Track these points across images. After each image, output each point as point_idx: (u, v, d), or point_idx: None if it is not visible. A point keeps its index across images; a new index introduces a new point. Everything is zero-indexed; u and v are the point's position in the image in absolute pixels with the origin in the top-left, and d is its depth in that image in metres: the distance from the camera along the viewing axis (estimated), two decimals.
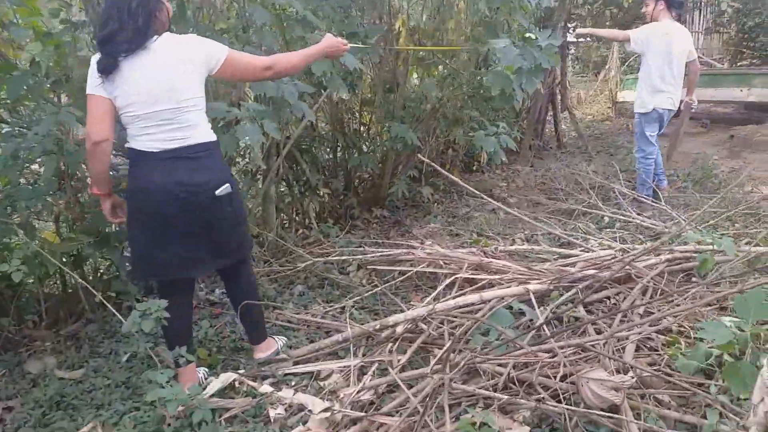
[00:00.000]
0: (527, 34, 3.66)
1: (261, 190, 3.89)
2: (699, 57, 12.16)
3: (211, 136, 2.24)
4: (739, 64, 11.45)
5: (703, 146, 7.47)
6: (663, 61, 4.78)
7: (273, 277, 3.51)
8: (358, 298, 3.15)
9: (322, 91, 3.96)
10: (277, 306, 3.13)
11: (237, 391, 2.40)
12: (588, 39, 5.69)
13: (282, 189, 4.43)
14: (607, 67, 11.42)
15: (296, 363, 2.59)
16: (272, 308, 3.10)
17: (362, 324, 2.81)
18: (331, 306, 3.11)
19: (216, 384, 2.36)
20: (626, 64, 10.88)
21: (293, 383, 2.46)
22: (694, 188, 5.16)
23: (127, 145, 2.20)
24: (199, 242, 2.24)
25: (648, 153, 4.98)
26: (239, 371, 2.50)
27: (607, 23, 9.37)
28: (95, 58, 2.05)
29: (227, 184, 2.24)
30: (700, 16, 12.17)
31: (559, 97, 7.57)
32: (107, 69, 2.01)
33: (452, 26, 4.66)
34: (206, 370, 2.54)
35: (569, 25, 7.97)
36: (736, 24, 10.28)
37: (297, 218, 4.51)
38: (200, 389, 2.22)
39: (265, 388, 2.38)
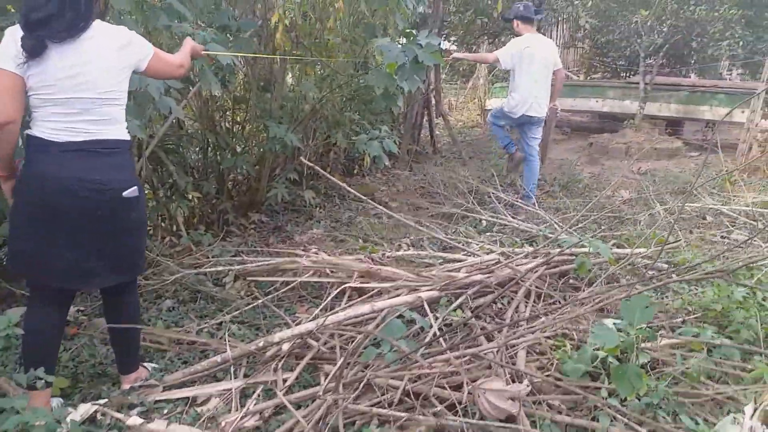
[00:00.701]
0: (408, 31, 3.62)
1: None
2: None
3: (126, 135, 2.06)
4: (592, 76, 12.51)
5: (566, 153, 8.01)
6: (529, 72, 5.12)
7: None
8: (236, 312, 2.87)
9: (191, 87, 3.62)
10: (143, 325, 2.76)
11: (99, 425, 2.06)
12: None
13: (146, 193, 3.99)
14: (475, 75, 11.94)
15: (168, 388, 2.28)
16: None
17: (243, 341, 2.56)
18: (206, 322, 2.81)
19: (74, 416, 2.02)
20: (492, 73, 11.45)
21: (166, 411, 2.16)
22: (562, 192, 5.45)
23: (27, 132, 1.91)
24: (97, 250, 1.98)
25: (494, 125, 5.55)
26: (101, 401, 2.15)
27: (477, 32, 9.78)
28: (14, 32, 1.81)
29: (135, 187, 2.04)
30: (557, 31, 13.13)
31: (433, 102, 7.71)
32: (35, 52, 1.80)
33: (330, 25, 4.51)
34: (61, 400, 2.16)
35: (442, 32, 8.18)
36: (591, 40, 11.21)
37: (163, 225, 4.08)
38: (63, 412, 1.90)
39: (133, 419, 2.05)
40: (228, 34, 3.57)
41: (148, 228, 4.05)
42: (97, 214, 1.93)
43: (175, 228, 4.02)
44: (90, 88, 1.88)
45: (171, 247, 3.76)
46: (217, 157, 4.45)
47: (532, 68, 5.11)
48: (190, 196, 4.11)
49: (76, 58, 1.85)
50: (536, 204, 4.96)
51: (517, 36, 5.31)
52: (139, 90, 2.71)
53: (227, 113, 4.71)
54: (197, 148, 4.51)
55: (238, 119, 4.81)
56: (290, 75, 5.01)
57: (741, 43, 7.91)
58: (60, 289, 2.02)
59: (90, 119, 1.91)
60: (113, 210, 1.97)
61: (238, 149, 4.61)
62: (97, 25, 1.91)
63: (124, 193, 1.98)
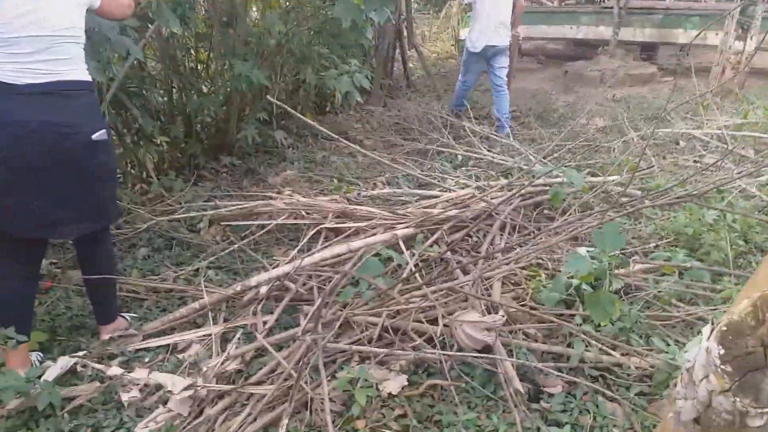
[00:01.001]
0: None
1: None
2: None
3: (88, 76, 1.97)
4: (566, 2, 12.23)
5: (540, 82, 7.93)
6: (491, 3, 5.24)
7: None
8: (213, 258, 2.84)
9: (149, 25, 3.43)
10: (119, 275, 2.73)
11: (80, 377, 2.06)
12: None
13: (112, 139, 3.85)
14: (448, 4, 11.58)
15: (148, 337, 2.27)
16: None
17: (221, 287, 2.55)
18: (182, 269, 2.77)
19: (54, 370, 2.02)
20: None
21: (147, 360, 2.16)
22: (537, 123, 5.42)
23: None
24: (67, 198, 1.90)
25: (465, 81, 5.69)
26: (80, 353, 2.14)
27: None
28: None
29: (104, 130, 1.96)
30: None
31: (405, 34, 7.49)
32: None
33: None
34: (40, 354, 2.14)
35: None
36: None
37: (133, 171, 3.97)
38: (38, 372, 1.89)
39: (114, 369, 2.05)
40: None
41: (118, 175, 3.94)
42: (66, 158, 1.86)
43: (144, 174, 3.92)
44: (46, 25, 1.78)
45: (142, 195, 3.67)
46: (182, 98, 4.30)
47: (496, 1, 5.24)
48: (158, 141, 3.99)
49: None
50: (510, 135, 4.94)
51: None
52: (93, 29, 2.56)
53: (190, 52, 4.51)
54: (161, 90, 4.34)
55: (202, 58, 4.61)
56: (254, 8, 4.80)
57: None
58: (30, 241, 1.96)
59: (50, 59, 1.81)
60: (82, 154, 1.89)
61: (204, 90, 4.45)
62: None
63: (93, 136, 1.90)
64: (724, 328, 0.74)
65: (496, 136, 4.99)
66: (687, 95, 6.35)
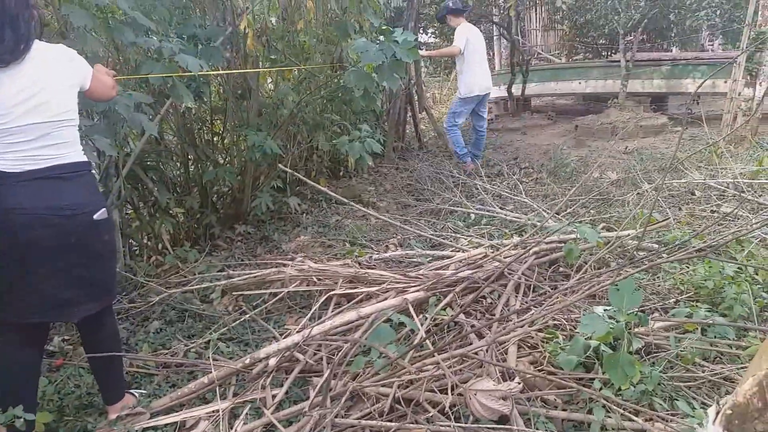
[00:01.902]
0: (384, 27, 3.56)
1: None
2: (539, 53, 13.12)
3: (83, 156, 2.00)
4: (574, 58, 12.47)
5: (552, 137, 7.97)
6: (477, 53, 6.08)
7: (123, 315, 3.07)
8: (224, 329, 2.82)
9: (165, 100, 3.56)
10: (129, 350, 2.72)
11: None
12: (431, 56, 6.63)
13: (128, 213, 3.94)
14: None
15: (156, 415, 2.23)
16: (125, 352, 2.68)
17: (232, 359, 2.52)
18: (193, 341, 2.76)
19: None
20: None
21: None
22: (549, 178, 5.42)
23: None
24: (74, 279, 1.92)
25: (450, 125, 6.27)
26: None
27: None
28: None
29: (104, 209, 2.00)
30: (536, 14, 13.08)
31: (416, 97, 7.66)
32: None
33: (302, 27, 4.45)
34: None
35: (419, 25, 8.12)
36: (569, 21, 11.16)
37: (149, 244, 4.03)
38: None
39: None
40: (197, 44, 3.52)
41: (134, 248, 4.00)
42: (71, 240, 1.88)
43: (160, 246, 3.97)
44: (45, 110, 1.82)
45: (157, 267, 3.71)
46: (199, 170, 4.40)
47: (477, 50, 6.10)
48: (173, 213, 4.06)
49: (23, 81, 1.79)
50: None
51: (453, 28, 6.27)
52: (110, 109, 2.66)
53: (206, 125, 4.66)
54: (178, 163, 4.45)
55: (218, 130, 4.75)
56: (269, 80, 4.96)
57: (718, 12, 7.87)
58: (35, 325, 1.96)
59: (50, 144, 1.85)
60: (85, 235, 1.92)
61: (220, 161, 4.56)
62: (38, 45, 1.85)
63: (95, 216, 1.93)
64: (729, 411, 0.69)
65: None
66: (700, 144, 6.33)
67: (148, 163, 3.96)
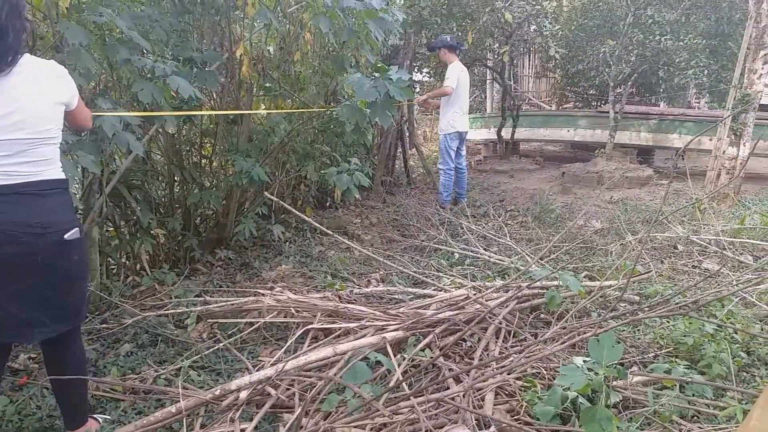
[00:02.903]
0: (379, 65, 3.60)
1: None
2: (530, 99, 13.37)
3: (62, 174, 1.94)
4: (564, 106, 12.71)
5: (539, 182, 8.06)
6: (464, 93, 6.30)
7: (94, 336, 2.98)
8: (196, 356, 2.75)
9: (154, 120, 3.54)
10: (97, 372, 2.63)
11: None
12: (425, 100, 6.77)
13: (108, 230, 3.87)
14: None
15: None
16: (92, 374, 2.59)
17: (202, 388, 2.44)
18: (164, 368, 2.68)
19: None
20: None
21: None
22: (534, 223, 5.44)
23: None
24: (38, 299, 1.84)
25: (449, 168, 6.32)
26: None
27: None
28: None
29: (77, 228, 1.93)
30: (529, 61, 13.37)
31: (407, 133, 7.72)
32: None
33: (299, 58, 4.49)
34: None
35: (414, 64, 8.24)
36: (561, 69, 11.42)
37: (127, 263, 3.95)
38: None
39: None
40: (192, 67, 3.53)
41: (112, 267, 3.92)
42: (38, 259, 1.81)
43: (138, 267, 3.89)
44: (25, 127, 1.77)
45: (133, 288, 3.63)
46: (183, 192, 4.36)
47: (465, 89, 6.33)
48: (154, 233, 4.00)
49: (7, 95, 1.74)
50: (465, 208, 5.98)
51: (443, 63, 6.44)
52: (98, 126, 2.63)
53: (195, 147, 4.63)
54: (163, 184, 4.41)
55: (206, 153, 4.72)
56: (262, 107, 4.97)
57: (706, 71, 8.10)
58: None
59: (26, 161, 1.79)
60: (54, 254, 1.84)
61: (206, 184, 4.52)
62: (27, 59, 1.80)
63: (66, 236, 1.87)
64: None
65: (445, 201, 6.16)
66: (684, 199, 6.42)
67: (133, 181, 3.92)
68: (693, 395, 2.36)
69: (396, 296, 3.47)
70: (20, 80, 1.76)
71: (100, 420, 2.25)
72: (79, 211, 3.50)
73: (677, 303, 3.00)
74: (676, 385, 2.40)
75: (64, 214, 1.91)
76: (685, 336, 2.79)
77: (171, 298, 3.40)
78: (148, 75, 3.16)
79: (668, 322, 3.04)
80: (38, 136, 1.80)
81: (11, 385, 2.56)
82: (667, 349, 2.80)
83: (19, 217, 1.77)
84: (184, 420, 2.20)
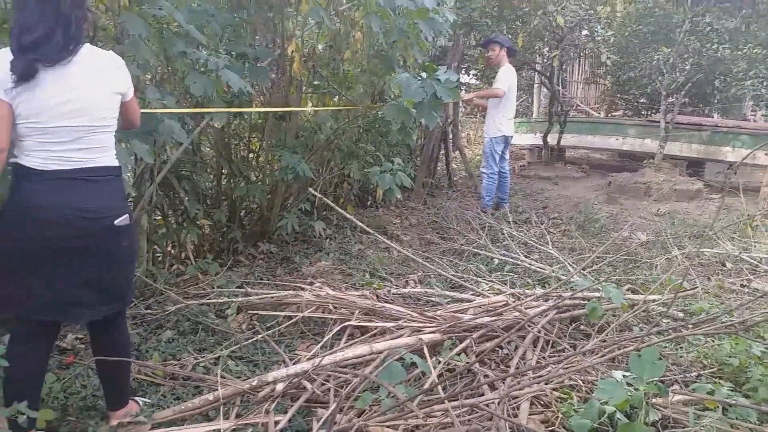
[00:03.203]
0: (428, 63, 3.60)
1: None
2: (578, 105, 13.11)
3: (115, 161, 2.00)
4: (613, 114, 12.43)
5: (584, 191, 7.90)
6: (512, 97, 6.26)
7: (138, 321, 3.09)
8: (235, 346, 2.81)
9: (205, 116, 3.63)
10: (139, 357, 2.72)
11: None
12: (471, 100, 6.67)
13: (156, 219, 3.99)
14: None
15: (157, 426, 2.21)
16: (134, 358, 2.68)
17: (240, 378, 2.50)
18: (203, 356, 2.75)
19: None
20: None
21: None
22: (577, 232, 5.35)
23: (13, 160, 1.84)
24: (87, 281, 1.91)
25: (493, 172, 6.24)
26: None
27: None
28: (3, 56, 1.74)
29: (127, 215, 1.99)
30: (579, 66, 13.12)
31: (451, 136, 7.70)
32: (26, 76, 1.73)
33: (348, 56, 4.53)
34: None
35: (462, 66, 8.20)
36: (612, 76, 11.17)
37: (172, 252, 4.07)
38: None
39: None
40: (245, 63, 3.60)
41: (158, 255, 4.04)
42: (89, 243, 1.88)
43: (183, 256, 4.00)
44: (83, 114, 1.83)
45: (177, 276, 3.74)
46: (230, 185, 4.46)
47: (514, 93, 6.29)
48: (200, 224, 4.11)
49: (67, 83, 1.80)
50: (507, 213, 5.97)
51: (496, 64, 6.31)
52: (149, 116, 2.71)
53: (243, 141, 4.73)
54: (211, 176, 4.52)
55: (254, 148, 4.82)
56: (310, 104, 5.03)
57: (765, 83, 7.78)
58: (45, 323, 1.96)
59: (82, 147, 1.86)
60: (104, 239, 1.91)
61: (252, 177, 4.61)
62: (88, 49, 1.86)
63: (116, 222, 1.93)
64: None
65: (486, 206, 6.17)
66: (735, 215, 6.20)
67: (183, 172, 4.03)
68: (736, 418, 2.28)
69: (433, 299, 3.47)
70: (80, 69, 1.82)
71: (140, 403, 2.32)
72: (130, 198, 3.63)
73: (724, 322, 2.90)
74: (718, 406, 2.32)
75: (116, 200, 1.97)
76: (730, 356, 2.70)
77: (213, 287, 3.49)
78: (202, 68, 3.24)
79: (713, 341, 2.95)
80: (95, 123, 1.87)
81: (58, 363, 2.66)
82: (711, 369, 2.72)
83: (74, 202, 1.84)
84: (221, 408, 2.26)
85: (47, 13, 1.75)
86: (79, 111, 1.82)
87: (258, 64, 3.63)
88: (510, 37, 7.58)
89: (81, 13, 1.83)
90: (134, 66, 2.73)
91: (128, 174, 3.58)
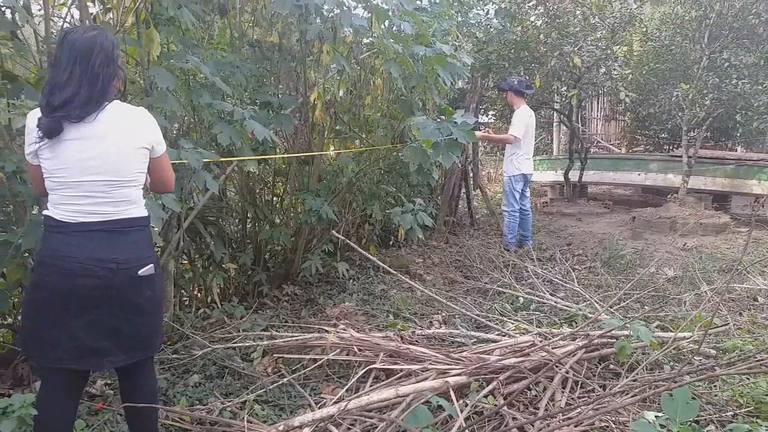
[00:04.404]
0: (444, 106, 3.68)
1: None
2: (598, 141, 13.10)
3: (143, 212, 2.03)
4: (634, 149, 12.39)
5: (608, 227, 7.83)
6: (530, 136, 6.32)
7: (166, 365, 3.11)
8: (261, 390, 2.82)
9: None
10: (167, 401, 2.74)
11: None
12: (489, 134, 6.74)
13: (183, 263, 4.06)
14: None
15: None
16: (162, 403, 2.70)
17: (266, 422, 2.50)
18: (230, 400, 2.75)
19: None
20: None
21: None
22: (603, 269, 5.29)
23: (44, 212, 1.93)
24: (109, 330, 1.94)
25: (514, 209, 6.27)
26: None
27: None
28: (31, 116, 1.86)
29: (151, 265, 2.02)
30: (598, 104, 13.18)
31: (471, 174, 7.74)
32: (53, 132, 1.81)
33: (368, 102, 4.65)
34: None
35: (480, 107, 8.30)
36: (632, 112, 11.17)
37: (199, 296, 4.13)
38: None
39: None
40: (269, 111, 3.72)
41: (184, 299, 4.10)
42: (111, 293, 1.91)
43: (209, 299, 4.05)
44: (106, 169, 1.87)
45: (204, 320, 3.78)
46: (255, 228, 4.53)
47: (531, 133, 6.35)
48: (226, 267, 4.17)
49: (90, 139, 1.84)
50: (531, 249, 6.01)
51: (510, 105, 6.50)
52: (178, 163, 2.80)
53: (267, 186, 4.83)
54: (237, 220, 4.61)
55: (278, 192, 4.91)
56: (332, 147, 5.14)
57: None
58: (72, 371, 1.98)
59: (107, 200, 1.90)
60: (127, 289, 1.94)
61: (276, 221, 4.68)
62: (115, 105, 1.90)
63: (140, 272, 1.96)
64: None
65: (509, 244, 6.21)
66: (763, 248, 6.08)
67: (209, 217, 4.12)
68: None
69: (458, 339, 3.45)
70: (105, 125, 1.86)
71: None
72: (158, 246, 3.71)
73: (759, 359, 2.82)
74: None
75: (141, 250, 1.99)
76: (767, 395, 2.62)
77: (239, 331, 3.52)
78: (227, 118, 3.36)
79: (749, 379, 2.87)
80: (120, 178, 1.90)
81: (88, 409, 2.69)
82: (748, 408, 2.63)
83: (96, 254, 1.88)
84: None
85: (77, 72, 1.82)
86: (102, 167, 1.86)
87: (282, 112, 3.74)
88: (528, 77, 7.68)
89: (111, 70, 1.89)
90: (162, 117, 2.85)
91: (153, 225, 3.68)
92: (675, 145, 10.85)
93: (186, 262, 4.10)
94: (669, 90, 8.63)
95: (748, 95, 7.58)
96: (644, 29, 8.73)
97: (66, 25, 3.40)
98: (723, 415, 2.60)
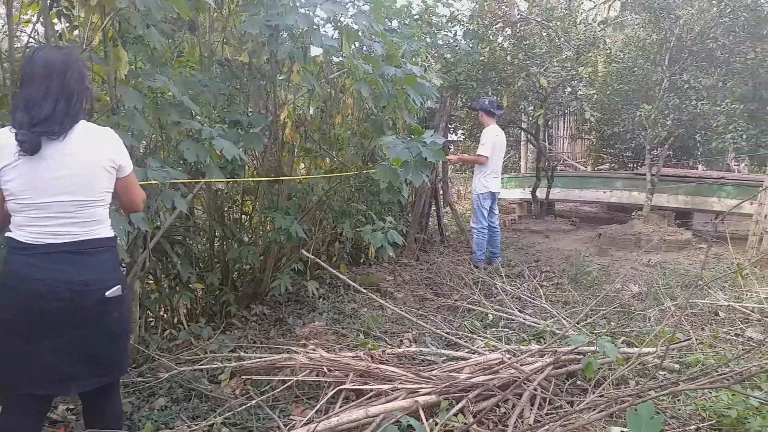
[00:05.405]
0: (414, 126, 3.72)
1: None
2: (565, 160, 13.40)
3: (110, 232, 2.01)
4: (600, 167, 12.68)
5: (574, 243, 7.98)
6: (498, 155, 6.44)
7: (131, 389, 3.04)
8: (229, 413, 2.76)
9: (200, 178, 3.69)
10: (132, 426, 2.67)
11: None
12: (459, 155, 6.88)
13: (149, 284, 3.99)
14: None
15: None
16: (127, 428, 2.63)
17: None
18: (196, 424, 2.70)
19: None
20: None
21: None
22: (570, 285, 5.37)
23: (7, 234, 1.87)
24: (77, 353, 1.89)
25: (482, 227, 6.35)
26: None
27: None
28: (5, 134, 1.81)
29: (119, 286, 1.98)
30: (564, 123, 13.48)
31: (441, 192, 7.81)
32: (35, 149, 1.78)
33: (339, 121, 4.67)
34: None
35: (450, 126, 8.42)
36: (597, 132, 11.47)
37: (165, 317, 4.05)
38: None
39: None
40: (239, 129, 3.70)
41: (150, 320, 4.01)
42: (78, 315, 1.87)
43: (176, 320, 3.98)
44: (75, 190, 1.85)
45: (170, 341, 3.70)
46: (223, 247, 4.48)
47: (500, 152, 6.47)
48: (193, 287, 4.10)
49: (62, 158, 1.82)
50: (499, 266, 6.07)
51: (481, 124, 6.62)
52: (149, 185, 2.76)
53: (236, 204, 4.79)
54: (204, 239, 4.55)
55: (247, 210, 4.87)
56: (302, 165, 5.13)
57: (744, 135, 8.02)
58: (36, 396, 1.92)
59: (74, 221, 1.87)
60: (95, 310, 1.90)
61: (245, 239, 4.64)
62: (83, 125, 1.90)
63: (107, 293, 1.93)
64: None
65: (479, 261, 6.27)
66: (724, 263, 6.26)
67: (176, 237, 4.06)
68: None
69: (428, 357, 3.45)
70: (75, 144, 1.85)
71: None
72: (123, 264, 3.63)
73: (720, 374, 2.90)
74: None
75: (108, 271, 1.97)
76: (728, 408, 2.69)
77: (206, 352, 3.45)
78: (196, 136, 3.33)
79: (711, 393, 2.93)
80: (89, 198, 1.88)
81: None
82: (710, 422, 2.70)
83: (63, 275, 1.84)
84: None
85: (53, 89, 1.81)
86: (70, 186, 1.84)
87: (251, 130, 3.73)
88: (496, 98, 7.83)
89: (83, 88, 1.89)
90: (129, 136, 2.81)
91: (122, 240, 3.61)
92: (639, 164, 11.16)
93: (152, 282, 4.02)
94: (632, 110, 8.90)
95: (707, 116, 7.87)
96: (608, 51, 9.01)
97: (32, 41, 3.35)
98: (686, 428, 2.65)
